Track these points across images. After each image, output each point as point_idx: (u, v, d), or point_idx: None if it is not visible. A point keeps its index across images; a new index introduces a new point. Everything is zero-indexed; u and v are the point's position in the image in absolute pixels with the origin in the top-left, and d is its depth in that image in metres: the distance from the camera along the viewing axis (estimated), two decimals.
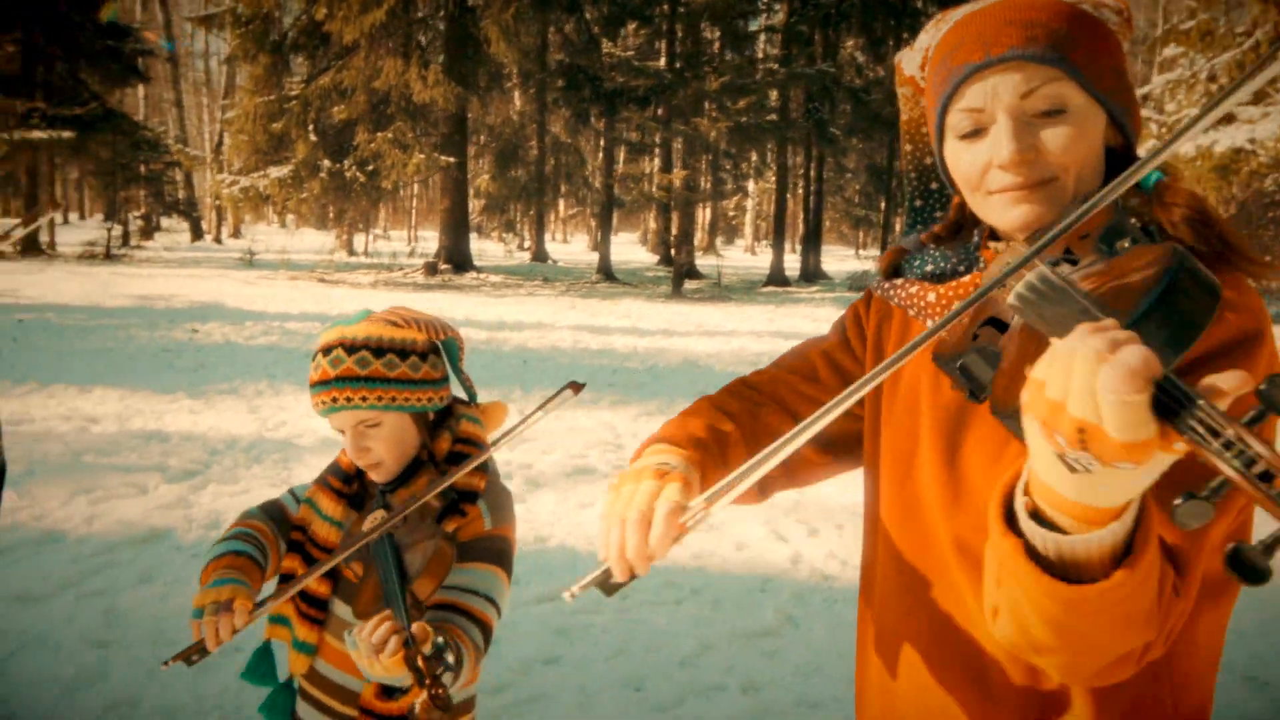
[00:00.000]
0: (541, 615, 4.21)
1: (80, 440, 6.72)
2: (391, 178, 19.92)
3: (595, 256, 38.51)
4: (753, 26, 27.30)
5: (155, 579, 4.43)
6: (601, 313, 17.38)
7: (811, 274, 28.04)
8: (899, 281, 1.15)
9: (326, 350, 1.66)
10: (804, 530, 5.51)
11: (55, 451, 6.37)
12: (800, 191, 29.87)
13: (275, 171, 20.49)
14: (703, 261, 31.57)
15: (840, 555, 5.14)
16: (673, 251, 24.51)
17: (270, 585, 1.75)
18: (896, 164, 26.27)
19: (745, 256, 47.29)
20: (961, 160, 1.04)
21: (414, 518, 1.61)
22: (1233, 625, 1.32)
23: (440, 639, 1.36)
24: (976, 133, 1.01)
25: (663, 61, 23.70)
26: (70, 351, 10.46)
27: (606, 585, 0.94)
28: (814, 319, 17.66)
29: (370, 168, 20.07)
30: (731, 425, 1.19)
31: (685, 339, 14.05)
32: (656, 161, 26.25)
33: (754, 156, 32.92)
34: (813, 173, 27.63)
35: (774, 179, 30.74)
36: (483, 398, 1.83)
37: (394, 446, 1.65)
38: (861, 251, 55.44)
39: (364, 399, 1.61)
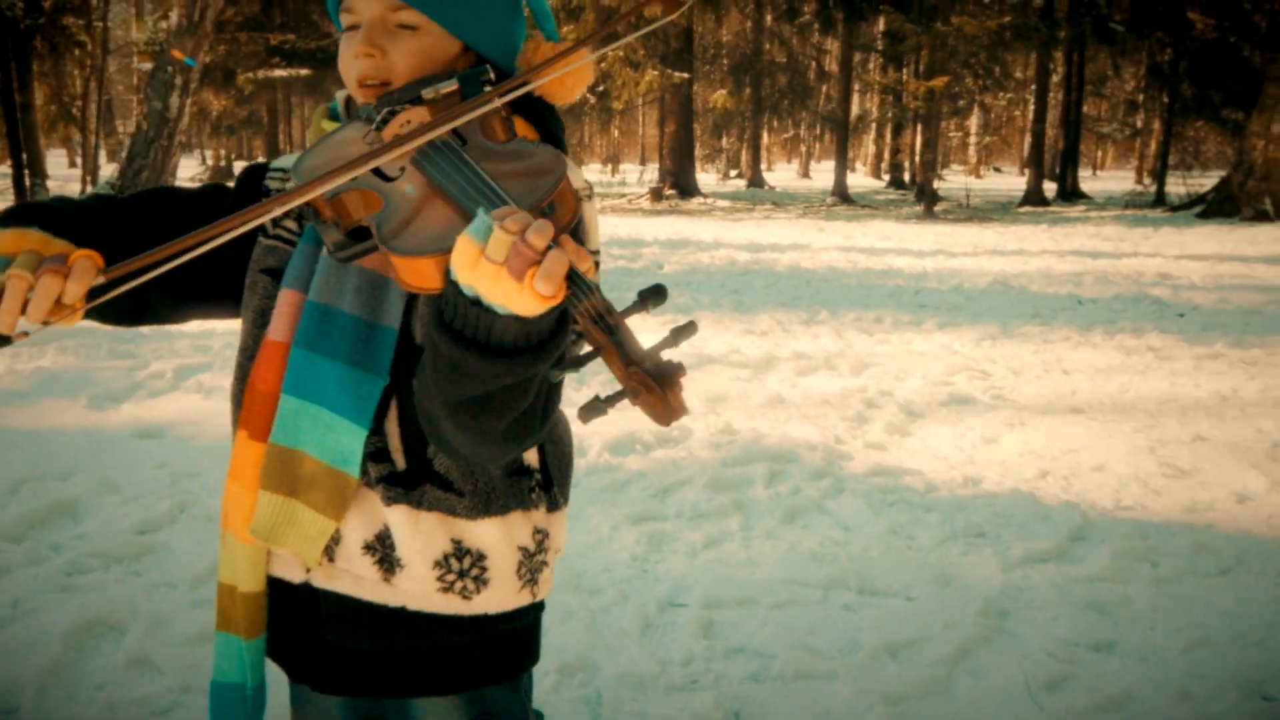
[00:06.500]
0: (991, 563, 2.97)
1: None
2: (623, 98, 18.90)
3: (808, 183, 36.72)
4: None
5: None
6: (854, 235, 15.97)
7: (1070, 193, 25.31)
8: None
9: None
10: None
11: None
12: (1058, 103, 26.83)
13: None
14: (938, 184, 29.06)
15: None
16: (917, 172, 22.44)
17: None
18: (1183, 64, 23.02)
19: (969, 180, 43.52)
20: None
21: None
22: None
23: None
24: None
25: None
26: None
27: None
28: (1101, 237, 15.50)
29: (600, 88, 19.13)
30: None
31: (974, 259, 12.54)
32: (905, 72, 23.98)
33: (996, 70, 29.66)
34: (1074, 81, 24.71)
35: (1007, 95, 27.59)
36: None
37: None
38: (1100, 171, 50.62)
39: None
